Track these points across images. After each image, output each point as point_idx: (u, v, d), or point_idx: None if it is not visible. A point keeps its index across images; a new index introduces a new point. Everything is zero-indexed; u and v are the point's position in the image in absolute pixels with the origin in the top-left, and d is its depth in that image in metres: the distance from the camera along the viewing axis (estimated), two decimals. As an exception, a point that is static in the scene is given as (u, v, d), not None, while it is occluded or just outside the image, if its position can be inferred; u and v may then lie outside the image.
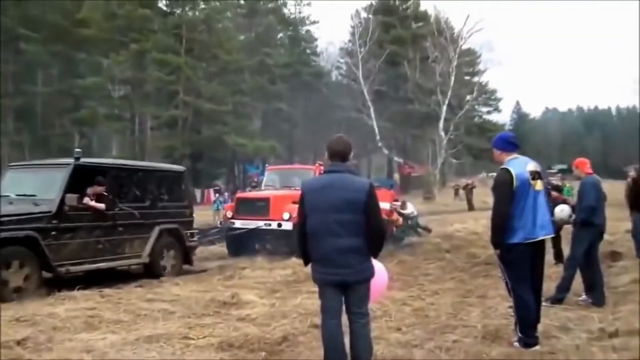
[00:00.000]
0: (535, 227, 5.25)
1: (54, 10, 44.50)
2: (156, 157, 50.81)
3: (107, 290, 8.46)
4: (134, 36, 42.96)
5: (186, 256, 10.94)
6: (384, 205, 16.41)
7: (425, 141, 46.77)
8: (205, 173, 52.30)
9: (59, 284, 8.60)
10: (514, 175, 5.22)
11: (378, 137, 44.21)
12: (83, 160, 9.26)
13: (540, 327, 5.61)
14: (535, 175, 5.33)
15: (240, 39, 51.74)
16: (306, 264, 4.50)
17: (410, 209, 16.88)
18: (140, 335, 5.88)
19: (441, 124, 42.68)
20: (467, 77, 53.22)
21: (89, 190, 9.20)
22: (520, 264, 5.30)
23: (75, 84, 43.66)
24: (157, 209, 10.33)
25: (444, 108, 42.73)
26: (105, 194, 9.33)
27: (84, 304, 7.50)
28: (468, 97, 48.68)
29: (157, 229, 10.17)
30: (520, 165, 5.35)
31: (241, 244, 13.62)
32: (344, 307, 4.38)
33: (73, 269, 8.71)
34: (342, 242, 4.16)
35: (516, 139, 5.71)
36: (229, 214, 14.40)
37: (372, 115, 43.41)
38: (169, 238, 10.50)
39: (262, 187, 15.68)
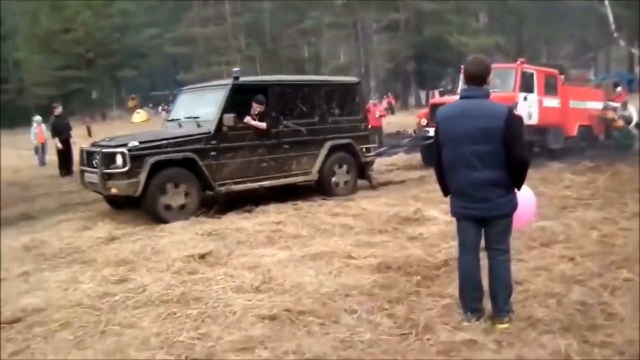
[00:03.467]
0: None
1: None
2: (381, 60, 51.22)
3: (300, 203, 8.67)
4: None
5: (362, 172, 10.58)
6: (596, 104, 14.78)
7: (674, 27, 39.85)
8: (430, 74, 51.36)
9: (258, 198, 8.94)
10: None
11: (613, 27, 38.72)
12: (242, 79, 9.19)
13: None
14: None
15: None
16: (445, 195, 4.25)
17: (631, 111, 14.78)
18: (308, 253, 5.92)
19: (691, 2, 35.92)
20: None
21: (253, 110, 9.15)
22: None
23: (299, -4, 44.98)
24: (327, 124, 9.97)
25: (694, -18, 35.77)
26: (267, 111, 9.23)
27: (274, 217, 7.74)
28: None
29: (327, 145, 9.85)
30: None
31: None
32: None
33: (235, 187, 8.76)
34: (479, 175, 3.89)
35: None
36: (424, 121, 13.76)
37: (606, 1, 37.84)
38: (342, 153, 10.15)
39: (458, 91, 14.56)
